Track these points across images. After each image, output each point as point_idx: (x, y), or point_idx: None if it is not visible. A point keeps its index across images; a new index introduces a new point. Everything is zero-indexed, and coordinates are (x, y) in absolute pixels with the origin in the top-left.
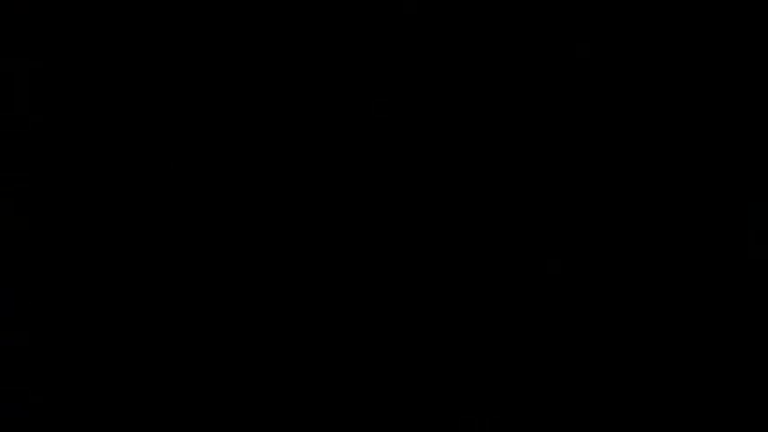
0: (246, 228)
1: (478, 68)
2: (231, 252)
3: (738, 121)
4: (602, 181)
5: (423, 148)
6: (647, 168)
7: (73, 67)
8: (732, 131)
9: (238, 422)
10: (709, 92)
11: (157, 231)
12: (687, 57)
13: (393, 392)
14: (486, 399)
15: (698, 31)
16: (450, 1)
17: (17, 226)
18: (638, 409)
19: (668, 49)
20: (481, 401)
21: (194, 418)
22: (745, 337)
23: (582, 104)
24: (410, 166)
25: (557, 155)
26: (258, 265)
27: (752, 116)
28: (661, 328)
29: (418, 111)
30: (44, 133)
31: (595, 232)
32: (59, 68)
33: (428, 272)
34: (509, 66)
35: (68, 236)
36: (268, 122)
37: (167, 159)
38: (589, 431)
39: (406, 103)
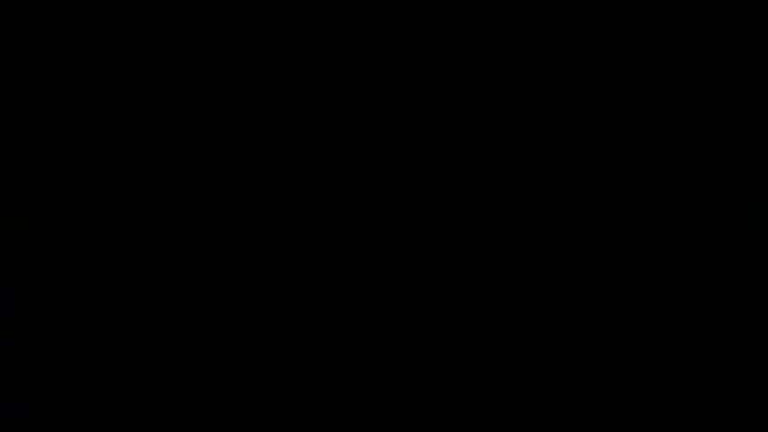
0: (247, 227)
1: (478, 68)
2: (231, 252)
3: (738, 121)
4: (602, 181)
5: (423, 148)
6: (647, 168)
7: (73, 67)
8: (732, 131)
9: (238, 422)
10: (709, 92)
11: (157, 231)
12: (687, 57)
13: (393, 392)
14: (486, 399)
15: (698, 30)
16: (450, 1)
17: (17, 226)
18: (639, 409)
19: (668, 49)
20: (481, 401)
21: (194, 418)
22: (745, 336)
23: (582, 104)
24: (410, 166)
25: (557, 155)
26: (258, 265)
27: (752, 116)
28: (661, 328)
29: (418, 111)
30: (44, 133)
31: (595, 232)
32: (59, 68)
33: (428, 272)
34: (509, 66)
35: (68, 236)
36: (268, 122)
37: (167, 159)
38: (589, 431)
39: (406, 103)
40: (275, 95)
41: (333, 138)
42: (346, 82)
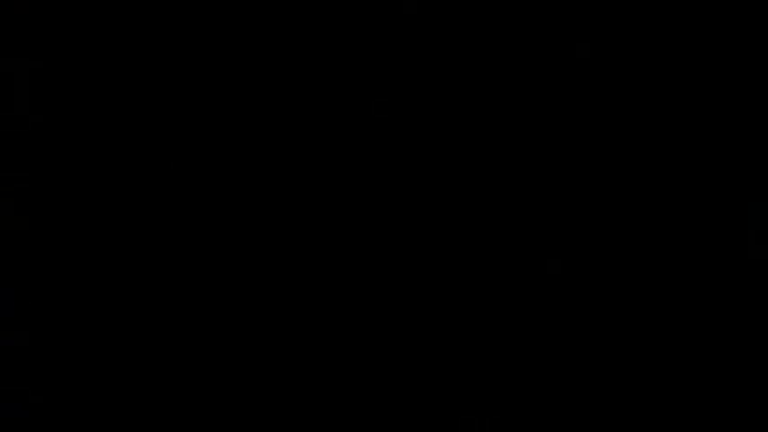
0: (247, 227)
1: (478, 68)
2: (231, 252)
3: (738, 121)
4: (602, 181)
5: (423, 148)
6: (647, 168)
7: (73, 67)
8: (732, 131)
9: (238, 422)
10: (709, 92)
11: (157, 231)
12: (687, 57)
13: (393, 392)
14: (486, 399)
15: (698, 30)
16: (450, 1)
17: (17, 226)
18: (639, 409)
19: (668, 49)
20: (481, 401)
21: (194, 418)
22: (745, 336)
23: (582, 104)
24: (410, 166)
25: (557, 155)
26: (258, 265)
27: (752, 116)
28: (661, 328)
29: (418, 111)
30: (44, 133)
31: (595, 232)
32: (59, 68)
33: (428, 272)
34: (509, 66)
35: (68, 236)
36: (268, 122)
37: (167, 159)
38: (589, 431)
39: (406, 103)
40: (275, 95)
41: (333, 137)
42: (347, 82)
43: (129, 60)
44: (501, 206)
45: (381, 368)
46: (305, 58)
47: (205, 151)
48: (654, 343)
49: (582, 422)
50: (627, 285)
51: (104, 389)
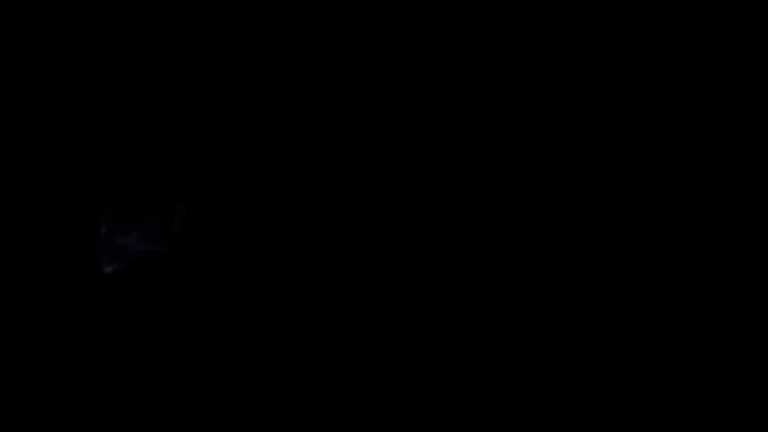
0: (245, 227)
1: (478, 68)
2: (230, 252)
3: (738, 121)
4: (602, 181)
5: (422, 147)
6: (647, 168)
7: (70, 66)
8: (732, 131)
9: (238, 422)
10: (709, 92)
11: (156, 231)
12: (687, 56)
13: (393, 392)
14: (486, 398)
15: (698, 30)
16: (451, 1)
17: (17, 225)
18: (638, 409)
19: (668, 49)
20: (481, 401)
21: (194, 417)
22: (745, 336)
23: (582, 104)
24: (410, 166)
25: (557, 155)
26: (257, 265)
27: (752, 116)
28: (661, 328)
29: (418, 111)
30: (43, 133)
31: (595, 232)
32: (56, 68)
33: (428, 272)
34: (509, 65)
35: (68, 236)
36: (267, 122)
37: (167, 159)
38: (589, 431)
39: (406, 102)
40: (275, 95)
41: (333, 137)
42: (346, 81)
43: (128, 60)
44: (501, 206)
45: (381, 368)
46: (305, 57)
47: (204, 151)
48: (654, 343)
49: (582, 422)
50: (627, 285)
51: (104, 388)
